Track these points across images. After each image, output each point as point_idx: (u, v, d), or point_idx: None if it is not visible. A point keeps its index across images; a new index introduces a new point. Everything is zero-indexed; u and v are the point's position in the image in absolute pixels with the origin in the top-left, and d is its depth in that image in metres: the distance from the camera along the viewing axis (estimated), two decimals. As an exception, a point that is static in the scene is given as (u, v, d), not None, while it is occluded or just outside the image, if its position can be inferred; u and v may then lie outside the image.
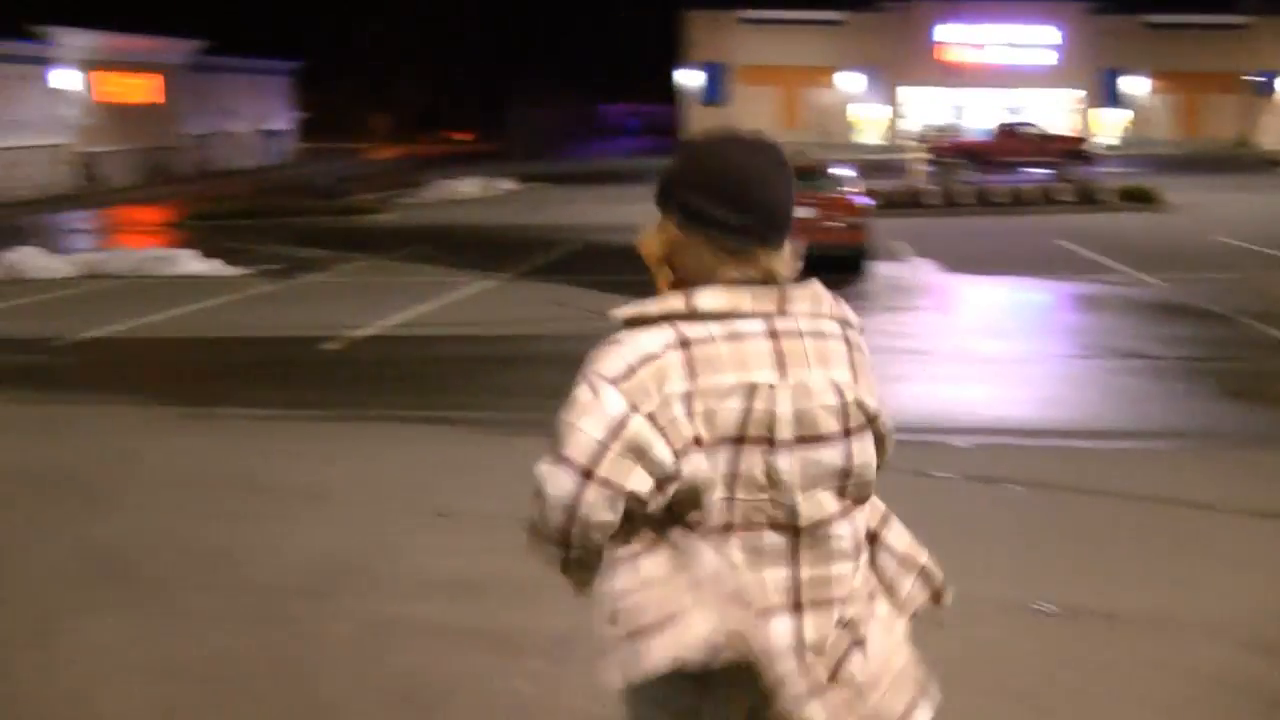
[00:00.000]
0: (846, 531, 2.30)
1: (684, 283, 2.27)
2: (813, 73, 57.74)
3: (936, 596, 2.56)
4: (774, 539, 2.23)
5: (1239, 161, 46.39)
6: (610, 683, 2.25)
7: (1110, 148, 52.50)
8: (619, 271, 15.12)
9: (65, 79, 44.06)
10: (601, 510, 2.14)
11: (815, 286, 2.35)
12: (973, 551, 6.29)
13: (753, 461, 2.19)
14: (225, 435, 9.42)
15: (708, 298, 2.21)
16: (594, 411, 2.14)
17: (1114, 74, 56.75)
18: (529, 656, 5.10)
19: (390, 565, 6.29)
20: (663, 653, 2.17)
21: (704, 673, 2.19)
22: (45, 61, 43.17)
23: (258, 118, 59.59)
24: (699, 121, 58.15)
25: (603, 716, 3.73)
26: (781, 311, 2.26)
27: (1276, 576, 6.06)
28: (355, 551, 6.52)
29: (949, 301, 15.77)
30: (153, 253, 20.96)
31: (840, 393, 2.26)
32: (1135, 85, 57.28)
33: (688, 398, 2.15)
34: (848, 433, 2.26)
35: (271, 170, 55.09)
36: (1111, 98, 57.41)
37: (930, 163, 34.24)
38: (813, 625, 2.26)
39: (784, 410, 2.19)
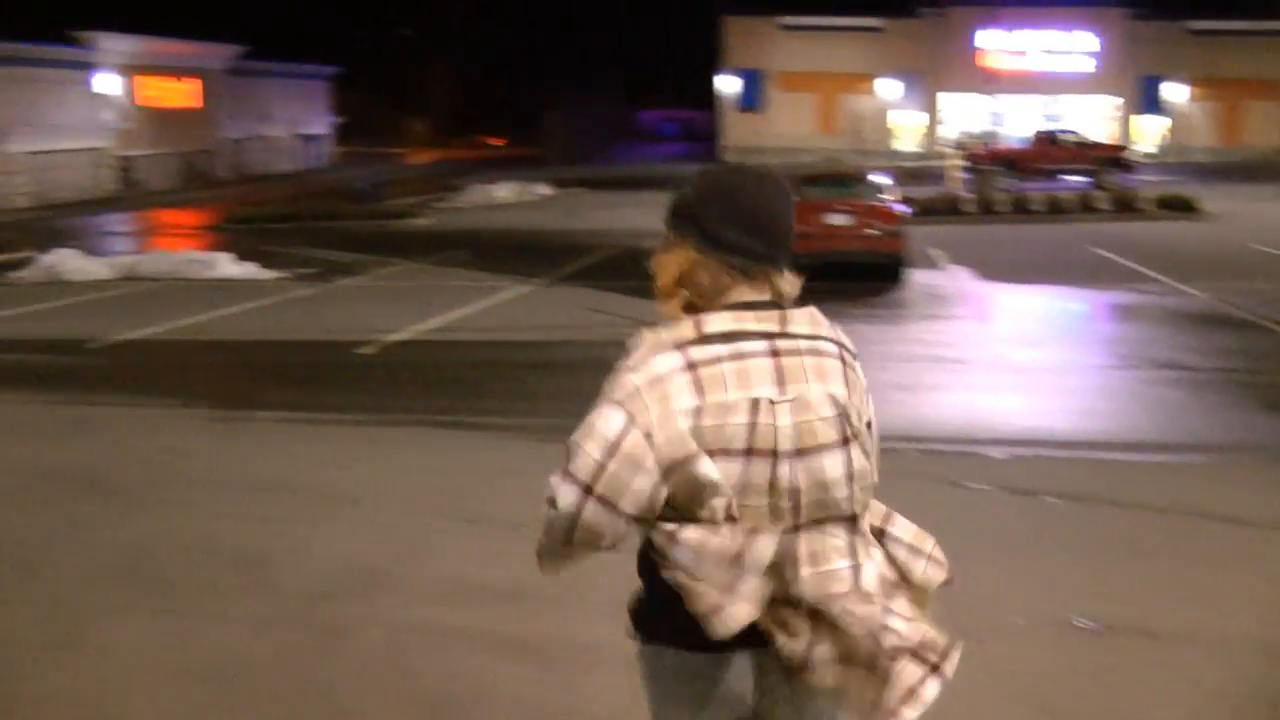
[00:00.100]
0: (844, 534, 2.49)
1: (696, 302, 2.50)
2: (851, 79, 57.58)
3: (948, 580, 2.74)
4: (778, 540, 2.42)
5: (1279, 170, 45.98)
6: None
7: (1148, 155, 52.10)
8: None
9: (107, 84, 44.45)
10: (601, 523, 2.41)
11: (812, 309, 2.57)
12: (1010, 565, 6.23)
13: (759, 471, 2.39)
14: (258, 438, 9.44)
15: (715, 322, 2.43)
16: (597, 434, 2.38)
17: (1153, 81, 56.32)
18: (558, 665, 5.07)
19: (419, 571, 6.27)
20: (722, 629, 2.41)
21: (718, 660, 2.47)
22: (87, 66, 43.61)
23: (295, 122, 59.91)
24: (736, 127, 58.15)
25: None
26: (783, 331, 2.47)
27: (1318, 593, 5.96)
28: (385, 556, 6.50)
29: (985, 310, 15.67)
30: (189, 256, 21.05)
31: (836, 404, 2.47)
32: (1174, 92, 56.82)
33: (697, 412, 2.36)
34: (845, 441, 2.46)
35: (309, 174, 55.36)
36: (1151, 105, 56.99)
37: (967, 170, 34.08)
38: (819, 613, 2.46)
39: (784, 423, 2.40)
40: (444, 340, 13.76)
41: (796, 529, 2.44)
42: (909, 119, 58.46)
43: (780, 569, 2.43)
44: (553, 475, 2.43)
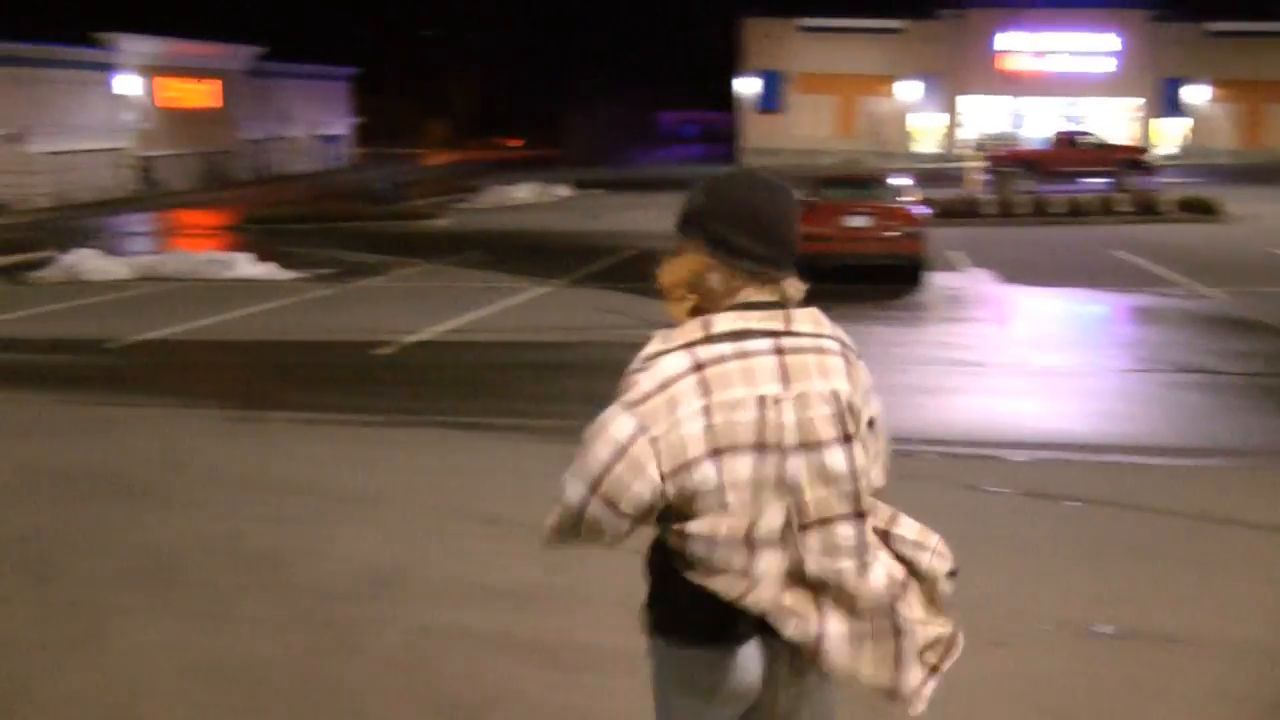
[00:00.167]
0: (851, 531, 2.57)
1: (704, 305, 2.61)
2: (870, 81, 57.48)
3: (954, 570, 2.79)
4: (786, 535, 2.51)
5: (1302, 173, 45.75)
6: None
7: (1169, 157, 51.87)
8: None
9: (127, 84, 44.63)
10: (603, 520, 2.53)
11: (815, 310, 2.67)
12: (1029, 569, 6.20)
13: (769, 466, 2.50)
14: (275, 439, 9.45)
15: (722, 322, 2.55)
16: (607, 436, 2.50)
17: (1174, 82, 56.09)
18: (575, 667, 5.06)
19: (437, 572, 6.27)
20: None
21: (726, 654, 2.57)
22: (108, 68, 43.80)
23: (315, 123, 60.08)
24: (755, 129, 58.08)
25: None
26: (787, 330, 2.58)
27: (1340, 599, 5.91)
28: (402, 558, 6.50)
29: (1005, 313, 15.61)
30: (209, 256, 21.10)
31: (838, 400, 2.57)
32: (1195, 94, 56.59)
33: (705, 411, 2.47)
34: (848, 438, 2.56)
35: (328, 175, 55.48)
36: (1171, 106, 56.76)
37: (987, 172, 33.97)
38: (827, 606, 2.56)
39: (788, 419, 2.51)
40: (462, 341, 13.76)
41: (805, 528, 2.52)
42: (928, 121, 58.34)
43: (791, 538, 2.52)
44: (566, 471, 2.57)
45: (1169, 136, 56.84)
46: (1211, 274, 17.82)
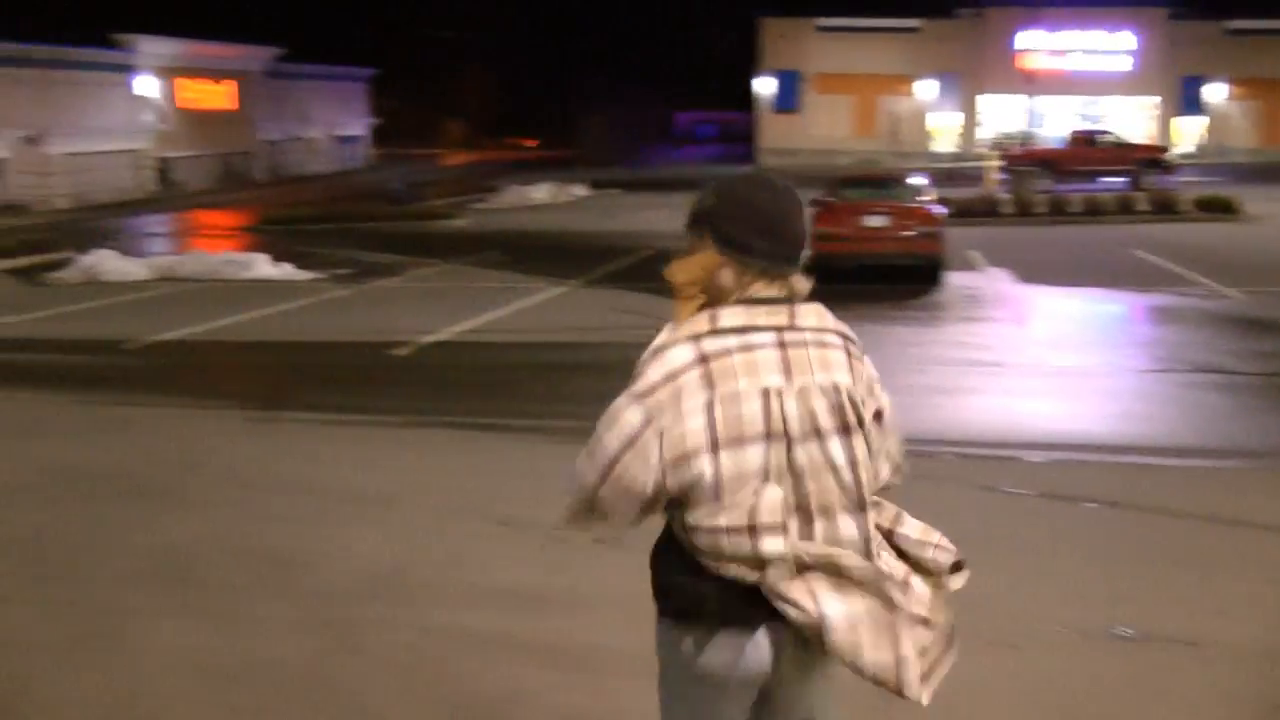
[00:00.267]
0: (853, 523, 2.66)
1: (712, 302, 2.71)
2: (888, 80, 57.39)
3: (956, 566, 2.86)
4: (788, 523, 2.61)
5: (1322, 172, 45.52)
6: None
7: (1186, 156, 51.60)
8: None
9: (146, 86, 44.78)
10: (613, 503, 2.67)
11: (819, 305, 2.76)
12: (1047, 571, 6.17)
13: (777, 455, 2.60)
14: (291, 439, 9.46)
15: (729, 316, 2.65)
16: (617, 427, 2.63)
17: (1192, 81, 55.84)
18: (590, 671, 5.04)
19: (452, 574, 6.26)
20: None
21: (735, 635, 2.66)
22: (127, 69, 43.94)
23: (332, 124, 60.19)
24: (773, 129, 58.01)
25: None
26: (791, 325, 2.68)
27: (1361, 601, 5.87)
28: (417, 559, 6.49)
29: (1023, 313, 15.55)
30: (226, 257, 21.14)
31: (839, 393, 2.66)
32: (1214, 92, 56.32)
33: (709, 405, 2.58)
34: (847, 429, 2.65)
35: (345, 175, 55.59)
36: (1190, 105, 56.50)
37: (1004, 171, 33.86)
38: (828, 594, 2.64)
39: (791, 410, 2.61)
40: (478, 342, 13.77)
41: (807, 518, 2.63)
42: (946, 120, 58.21)
43: (793, 526, 2.62)
44: (579, 456, 2.74)
45: (1187, 135, 56.58)
46: (1230, 273, 17.73)
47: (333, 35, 70.46)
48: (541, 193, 36.79)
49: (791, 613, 2.61)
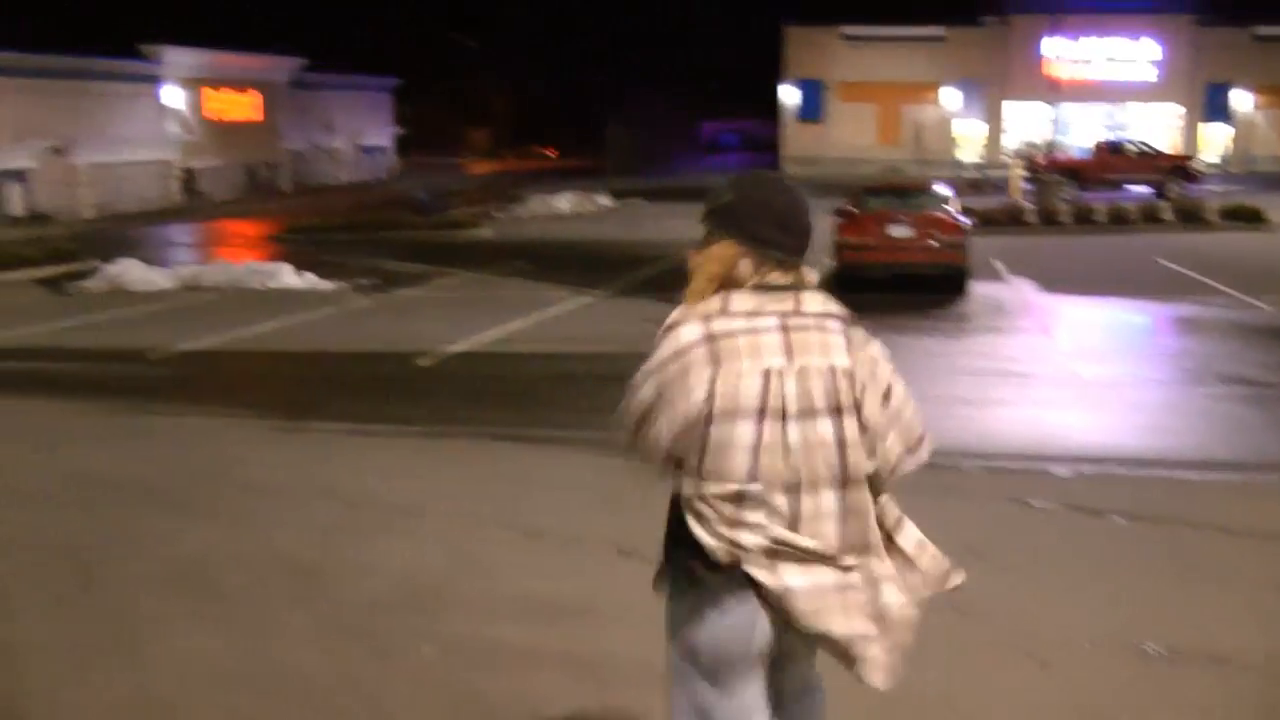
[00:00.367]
0: (833, 496, 2.89)
1: (728, 287, 2.96)
2: (913, 89, 57.28)
3: (947, 575, 3.10)
4: (778, 496, 2.85)
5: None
6: None
7: (1213, 165, 51.32)
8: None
9: (173, 96, 45.00)
10: (645, 451, 2.98)
11: (822, 293, 3.01)
12: (1076, 586, 6.11)
13: (773, 430, 2.83)
14: (316, 449, 9.46)
15: (740, 300, 2.92)
16: (637, 396, 2.96)
17: (1218, 88, 55.52)
18: (618, 683, 5.01)
19: (476, 584, 6.23)
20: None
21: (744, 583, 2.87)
22: (154, 79, 44.16)
23: (357, 134, 60.32)
24: (797, 138, 57.95)
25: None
26: (796, 310, 2.92)
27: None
28: (442, 569, 6.47)
29: (1049, 323, 15.46)
30: (251, 266, 21.20)
31: (835, 375, 2.89)
32: (1239, 99, 55.97)
33: (712, 380, 2.83)
34: (839, 410, 2.89)
35: (370, 185, 55.72)
36: (1216, 112, 56.17)
37: (1029, 180, 33.73)
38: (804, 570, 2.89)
39: (790, 389, 2.84)
40: (503, 352, 13.76)
41: (798, 488, 2.86)
42: (971, 128, 58.06)
43: (781, 498, 2.86)
44: (619, 406, 3.02)
45: (1213, 143, 56.25)
46: (1258, 283, 17.62)
47: (358, 45, 70.70)
48: (566, 202, 36.81)
49: (761, 582, 2.85)
